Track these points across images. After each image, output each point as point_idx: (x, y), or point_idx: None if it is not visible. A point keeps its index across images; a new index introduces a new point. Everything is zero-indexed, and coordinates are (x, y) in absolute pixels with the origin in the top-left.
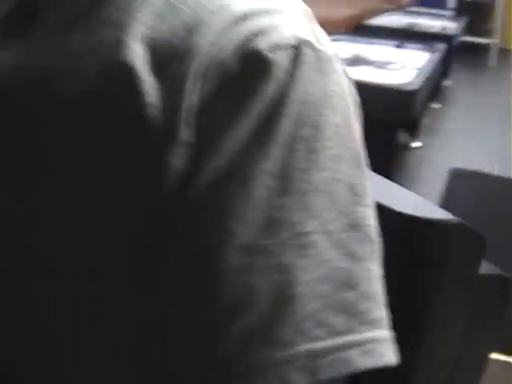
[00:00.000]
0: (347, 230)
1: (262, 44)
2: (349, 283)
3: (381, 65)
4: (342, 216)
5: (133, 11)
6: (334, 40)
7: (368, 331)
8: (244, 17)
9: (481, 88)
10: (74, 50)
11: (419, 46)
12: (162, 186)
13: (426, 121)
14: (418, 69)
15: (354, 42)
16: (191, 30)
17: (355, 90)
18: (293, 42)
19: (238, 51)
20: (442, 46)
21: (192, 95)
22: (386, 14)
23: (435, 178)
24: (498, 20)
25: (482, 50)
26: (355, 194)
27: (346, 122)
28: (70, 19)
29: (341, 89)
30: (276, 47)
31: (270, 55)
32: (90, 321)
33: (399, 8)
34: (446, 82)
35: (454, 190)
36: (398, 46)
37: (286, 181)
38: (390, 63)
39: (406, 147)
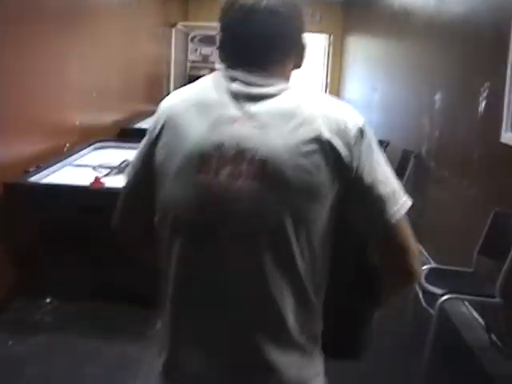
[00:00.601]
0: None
1: (358, 127)
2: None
3: None
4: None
5: (316, 121)
6: (103, 148)
7: (404, 196)
8: (353, 120)
9: None
10: (299, 138)
11: None
12: (344, 177)
13: None
14: None
15: (125, 148)
16: (343, 127)
17: None
18: (361, 123)
19: (357, 131)
20: None
21: (354, 148)
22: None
23: None
24: None
25: None
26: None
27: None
28: (289, 129)
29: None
30: (361, 126)
31: (362, 128)
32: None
33: None
34: None
35: None
36: None
37: (378, 160)
38: None
39: None
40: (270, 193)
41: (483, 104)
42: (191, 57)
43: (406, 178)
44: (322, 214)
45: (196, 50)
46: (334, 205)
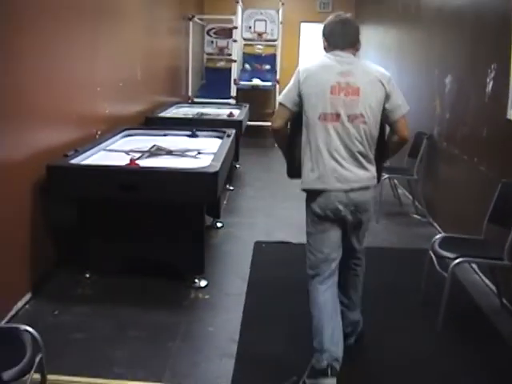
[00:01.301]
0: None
1: (388, 76)
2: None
3: (180, 153)
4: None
5: (373, 73)
6: (132, 135)
7: (407, 107)
8: (386, 73)
9: (266, 167)
10: (370, 79)
11: (211, 133)
12: (385, 96)
13: (224, 202)
14: (214, 154)
15: (152, 135)
16: (383, 75)
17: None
18: (389, 75)
19: (388, 77)
20: (231, 132)
21: (388, 84)
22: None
23: (244, 251)
24: (275, 106)
25: (264, 132)
26: (399, 91)
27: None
28: (365, 75)
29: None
30: (389, 76)
31: (390, 77)
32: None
33: None
34: (237, 165)
35: (261, 258)
36: (191, 136)
37: (397, 91)
38: (187, 151)
39: (212, 227)
40: (360, 99)
41: (491, 84)
42: (207, 49)
43: (419, 157)
44: (379, 111)
45: (212, 42)
46: (381, 109)
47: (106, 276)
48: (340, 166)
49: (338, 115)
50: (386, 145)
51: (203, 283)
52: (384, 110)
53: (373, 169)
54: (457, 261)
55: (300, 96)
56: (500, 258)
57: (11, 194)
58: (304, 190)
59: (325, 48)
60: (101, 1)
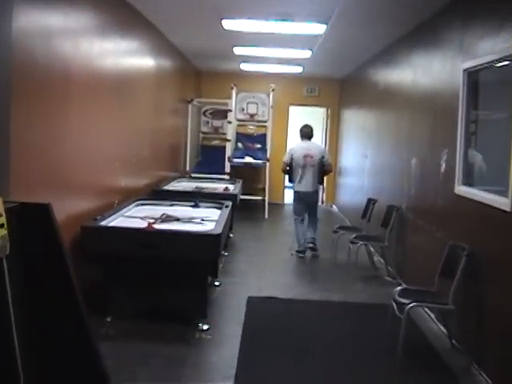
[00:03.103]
0: (329, 157)
1: (325, 149)
2: None
3: (187, 220)
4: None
5: (319, 148)
6: (143, 204)
7: (330, 160)
8: (324, 149)
9: (257, 237)
10: (318, 151)
11: (211, 204)
12: (322, 156)
13: (221, 265)
14: (216, 221)
15: (160, 205)
16: (323, 150)
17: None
18: (326, 149)
19: (325, 151)
20: (228, 203)
21: (324, 154)
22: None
23: (239, 303)
24: (266, 182)
25: (256, 205)
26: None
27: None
28: (316, 149)
29: None
30: (326, 150)
31: (326, 150)
32: None
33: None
34: (231, 234)
35: (253, 309)
36: (194, 206)
37: (328, 156)
38: (192, 218)
39: (211, 285)
40: (314, 159)
41: (443, 166)
42: (203, 128)
43: (390, 227)
44: (321, 163)
45: (208, 122)
46: (322, 162)
47: (124, 319)
48: (305, 182)
49: (305, 165)
50: (323, 174)
51: (205, 326)
52: (322, 162)
53: (317, 183)
54: (410, 305)
55: (291, 159)
56: (445, 303)
57: None
58: (294, 191)
59: (300, 137)
60: (119, 85)
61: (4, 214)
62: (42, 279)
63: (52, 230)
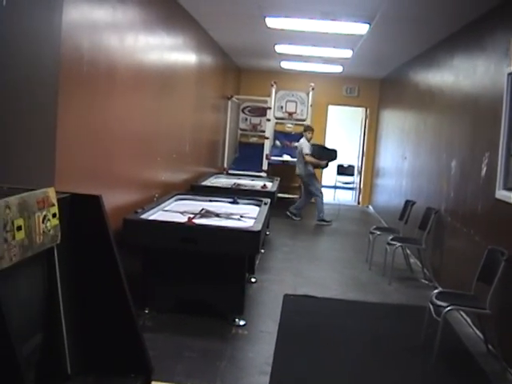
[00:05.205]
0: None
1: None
2: None
3: (226, 216)
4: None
5: (303, 144)
6: (182, 199)
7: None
8: (307, 144)
9: (293, 235)
10: (303, 146)
11: (249, 201)
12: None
13: (257, 262)
14: (254, 218)
15: (199, 200)
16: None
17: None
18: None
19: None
20: (267, 201)
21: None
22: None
23: (275, 301)
24: None
25: (291, 203)
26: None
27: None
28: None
29: None
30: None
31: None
32: None
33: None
34: (268, 232)
35: (289, 307)
36: (233, 202)
37: (306, 147)
38: (231, 214)
39: (248, 281)
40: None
41: (484, 169)
42: (242, 125)
43: (427, 229)
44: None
45: (246, 119)
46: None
47: (162, 312)
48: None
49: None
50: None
51: (242, 322)
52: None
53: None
54: (448, 308)
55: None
56: (483, 307)
57: None
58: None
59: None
60: (162, 81)
61: (56, 204)
62: (91, 269)
63: (102, 221)
